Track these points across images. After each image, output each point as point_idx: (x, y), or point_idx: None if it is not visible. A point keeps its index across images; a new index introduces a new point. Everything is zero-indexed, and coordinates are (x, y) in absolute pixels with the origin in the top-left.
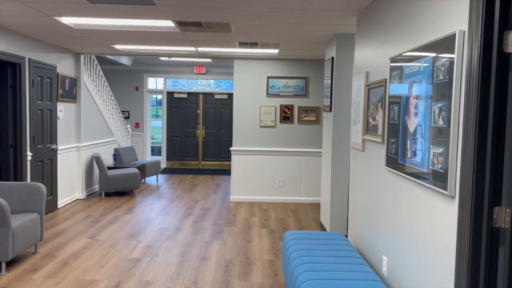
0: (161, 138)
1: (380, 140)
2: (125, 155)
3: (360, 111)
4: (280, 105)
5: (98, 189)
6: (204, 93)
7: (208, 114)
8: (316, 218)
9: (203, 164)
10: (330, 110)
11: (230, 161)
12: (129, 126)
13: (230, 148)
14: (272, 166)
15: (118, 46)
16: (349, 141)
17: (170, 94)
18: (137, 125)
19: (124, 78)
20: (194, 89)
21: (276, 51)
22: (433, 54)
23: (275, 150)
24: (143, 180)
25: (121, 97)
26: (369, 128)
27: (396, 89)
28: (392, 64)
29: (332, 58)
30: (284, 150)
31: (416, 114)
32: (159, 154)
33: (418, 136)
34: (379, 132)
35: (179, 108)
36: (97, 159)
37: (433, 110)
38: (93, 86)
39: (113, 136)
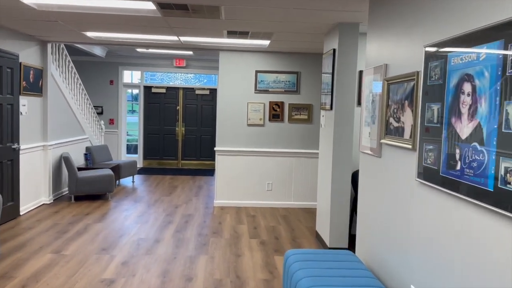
0: (138, 135)
1: (409, 146)
2: (97, 155)
3: (375, 110)
4: (270, 102)
5: (67, 192)
6: (184, 88)
7: (189, 111)
8: (309, 226)
9: (183, 164)
10: (331, 109)
11: (212, 160)
12: (102, 122)
13: (214, 148)
14: (260, 168)
15: (89, 34)
16: (358, 144)
17: (147, 88)
18: (111, 121)
19: (97, 71)
20: (174, 83)
21: (267, 42)
22: (503, 38)
23: (263, 151)
24: (117, 181)
25: (94, 91)
26: (389, 131)
27: (436, 83)
28: (429, 52)
29: (334, 50)
30: (273, 151)
31: (472, 115)
32: (135, 152)
33: (476, 143)
34: (407, 136)
35: (157, 103)
36: (66, 159)
37: (505, 111)
38: (62, 79)
39: (85, 134)
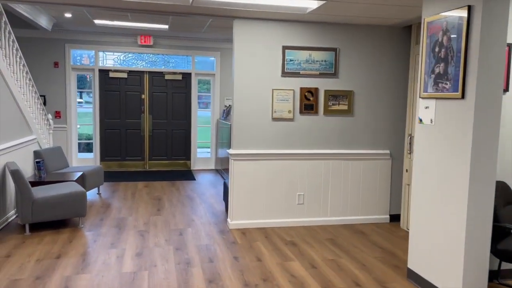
0: (92, 131)
1: None
2: (51, 161)
3: None
4: (301, 88)
5: (15, 218)
6: (150, 72)
7: (156, 100)
8: (382, 257)
9: (151, 165)
10: (462, 97)
11: (186, 159)
12: (50, 116)
13: (228, 152)
14: (289, 175)
15: None
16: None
17: (103, 72)
18: (57, 114)
19: (38, 50)
20: (137, 66)
21: (314, 3)
22: None
23: (292, 153)
24: None
25: (34, 76)
26: None
27: None
28: None
29: (469, 7)
30: (305, 152)
31: None
32: (87, 150)
33: None
34: None
35: (116, 92)
36: (14, 173)
37: None
38: (1, 56)
39: (32, 133)
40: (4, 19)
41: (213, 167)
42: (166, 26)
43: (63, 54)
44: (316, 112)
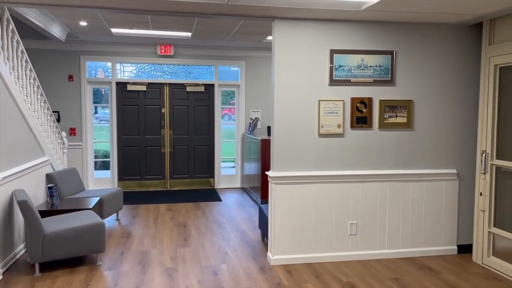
0: (110, 148)
1: None
2: (64, 185)
3: None
4: (352, 98)
5: (24, 253)
6: (171, 84)
7: (177, 114)
8: None
9: (172, 184)
10: None
11: (209, 177)
12: (64, 134)
13: (268, 174)
14: (339, 201)
15: None
16: None
17: (121, 85)
18: (72, 131)
19: (51, 62)
20: (157, 78)
21: None
22: None
23: (343, 175)
24: None
25: (47, 92)
26: None
27: None
28: None
29: None
30: (357, 173)
31: None
32: (103, 167)
33: None
34: None
35: (134, 105)
36: (22, 204)
37: None
38: (8, 68)
39: (44, 155)
40: (11, 27)
41: (238, 185)
42: (189, 34)
43: (78, 66)
44: (370, 126)
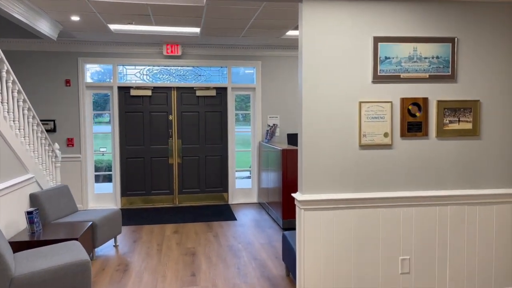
0: (112, 159)
1: None
2: (52, 206)
3: None
4: (402, 99)
5: None
6: (179, 88)
7: (186, 121)
8: None
9: (181, 199)
10: None
11: (223, 191)
12: (57, 147)
13: (296, 197)
14: (387, 230)
15: None
16: None
17: (123, 90)
18: (69, 142)
19: (45, 66)
20: (163, 82)
21: None
22: None
23: (391, 197)
24: (90, 254)
25: (40, 98)
26: None
27: None
28: None
29: None
30: (410, 195)
31: None
32: (109, 180)
33: None
34: None
35: (139, 112)
36: None
37: None
38: None
39: (27, 172)
40: None
41: (255, 200)
42: (197, 30)
43: (75, 69)
44: (425, 134)
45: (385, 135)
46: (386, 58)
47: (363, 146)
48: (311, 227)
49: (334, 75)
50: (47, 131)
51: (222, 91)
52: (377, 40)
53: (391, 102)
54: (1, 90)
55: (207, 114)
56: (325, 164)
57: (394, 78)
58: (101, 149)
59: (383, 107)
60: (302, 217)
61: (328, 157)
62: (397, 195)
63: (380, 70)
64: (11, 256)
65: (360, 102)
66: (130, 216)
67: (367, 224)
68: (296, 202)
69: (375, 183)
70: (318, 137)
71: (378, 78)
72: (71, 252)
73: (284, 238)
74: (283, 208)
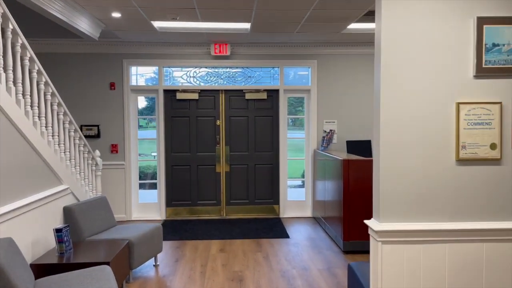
0: (157, 167)
1: None
2: (87, 221)
3: None
4: None
5: None
6: (227, 91)
7: (235, 127)
8: None
9: (229, 211)
10: None
11: (273, 203)
12: (97, 153)
13: (370, 226)
14: (493, 269)
15: None
16: None
17: (169, 93)
18: (113, 148)
19: (88, 68)
20: (211, 84)
21: None
22: None
23: (501, 229)
24: (127, 276)
25: (83, 103)
26: None
27: None
28: None
29: None
30: None
31: None
32: (149, 186)
33: None
34: None
35: (185, 117)
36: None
37: None
38: (4, 87)
39: (61, 183)
40: (11, 28)
41: (309, 213)
42: (248, 25)
43: (120, 72)
44: None
45: (492, 146)
46: (494, 45)
47: (461, 161)
48: (391, 266)
49: (422, 70)
50: (91, 137)
51: (273, 94)
52: (481, 21)
53: (500, 103)
54: (31, 92)
55: (256, 119)
56: (411, 184)
57: (505, 72)
58: (153, 153)
59: (489, 110)
60: (379, 251)
61: (415, 175)
62: (509, 226)
63: (485, 61)
64: (31, 284)
65: (458, 103)
66: (175, 229)
67: (466, 261)
68: (370, 232)
69: (478, 209)
70: (401, 150)
71: (482, 72)
72: (98, 282)
73: (351, 271)
74: (343, 227)
